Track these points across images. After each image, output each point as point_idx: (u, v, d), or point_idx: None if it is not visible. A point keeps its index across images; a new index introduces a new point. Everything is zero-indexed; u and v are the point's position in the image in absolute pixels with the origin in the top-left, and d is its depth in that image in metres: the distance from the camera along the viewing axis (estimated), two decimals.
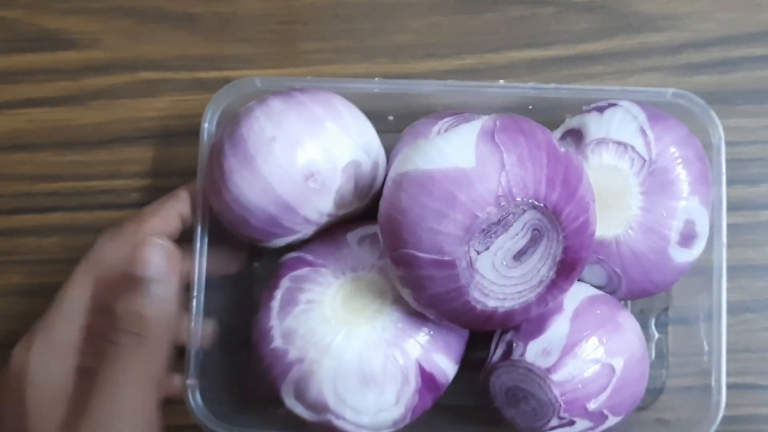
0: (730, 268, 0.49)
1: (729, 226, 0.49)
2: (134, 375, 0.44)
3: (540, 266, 0.43)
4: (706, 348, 0.49)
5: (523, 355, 0.46)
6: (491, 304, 0.43)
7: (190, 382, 0.49)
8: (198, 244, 0.50)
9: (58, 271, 0.56)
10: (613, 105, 0.49)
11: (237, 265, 0.52)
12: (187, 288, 0.50)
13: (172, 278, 0.45)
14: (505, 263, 0.43)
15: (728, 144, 0.50)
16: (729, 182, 0.49)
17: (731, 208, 0.49)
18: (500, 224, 0.41)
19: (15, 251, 0.57)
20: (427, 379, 0.46)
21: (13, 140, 0.58)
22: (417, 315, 0.46)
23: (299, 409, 0.47)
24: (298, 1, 0.58)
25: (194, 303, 0.50)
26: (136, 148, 0.57)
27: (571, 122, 0.49)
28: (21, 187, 0.58)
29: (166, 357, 0.45)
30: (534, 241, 0.42)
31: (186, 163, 0.57)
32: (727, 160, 0.49)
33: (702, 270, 0.49)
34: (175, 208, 0.49)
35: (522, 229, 0.42)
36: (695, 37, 0.57)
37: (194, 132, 0.53)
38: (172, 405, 0.54)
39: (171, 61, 0.58)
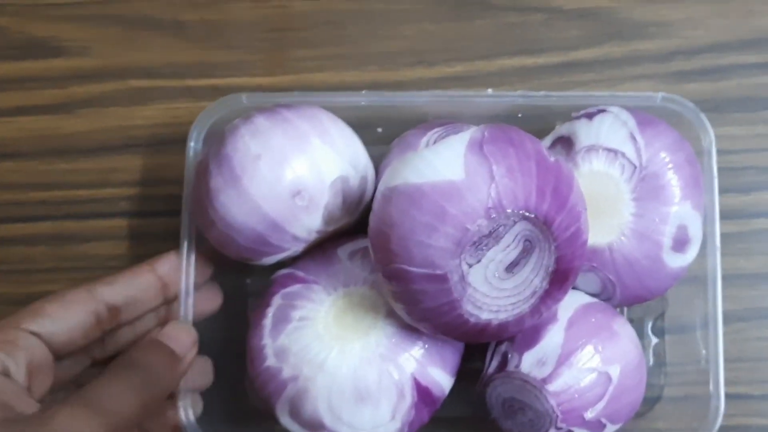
0: (721, 277, 0.48)
1: (720, 234, 0.49)
2: (134, 389, 0.42)
3: (533, 277, 0.43)
4: (704, 353, 0.49)
5: (518, 366, 0.46)
6: (485, 316, 0.43)
7: (184, 401, 0.49)
8: (184, 271, 0.49)
9: (46, 281, 0.56)
10: (603, 111, 0.48)
11: (216, 303, 0.51)
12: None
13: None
14: (497, 275, 0.42)
15: (720, 152, 0.49)
16: (721, 191, 0.49)
17: (723, 216, 0.49)
18: (491, 236, 0.41)
19: (2, 261, 0.57)
20: (422, 393, 0.46)
21: (2, 148, 0.57)
22: (411, 329, 0.46)
23: (295, 428, 0.47)
24: (288, 9, 0.58)
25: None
26: (125, 157, 0.57)
27: (560, 129, 0.49)
28: (9, 196, 0.57)
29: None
30: (526, 252, 0.42)
31: (175, 171, 0.56)
32: (719, 169, 0.49)
33: (697, 275, 0.49)
34: (152, 265, 0.48)
35: (513, 241, 0.42)
36: (686, 45, 0.56)
37: (184, 140, 0.52)
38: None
39: (160, 69, 0.58)
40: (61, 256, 0.57)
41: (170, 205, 0.56)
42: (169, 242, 0.51)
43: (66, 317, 0.44)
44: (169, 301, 0.49)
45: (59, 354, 0.44)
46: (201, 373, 0.50)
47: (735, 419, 0.48)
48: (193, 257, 0.49)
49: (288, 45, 0.58)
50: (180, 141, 0.55)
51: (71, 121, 0.57)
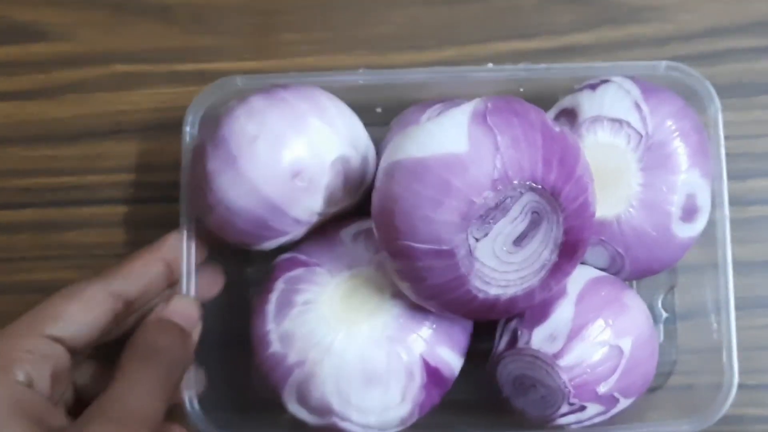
0: (715, 266, 0.48)
1: (715, 222, 0.48)
2: (158, 377, 0.42)
3: (541, 250, 0.42)
4: (715, 326, 0.48)
5: (528, 342, 0.45)
6: (493, 292, 0.42)
7: (189, 392, 0.48)
8: (185, 254, 0.48)
9: (29, 269, 0.56)
10: (606, 81, 0.48)
11: (218, 286, 0.51)
12: None
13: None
14: (505, 249, 0.41)
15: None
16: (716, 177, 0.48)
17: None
18: (498, 209, 0.40)
19: None
20: (432, 373, 0.45)
21: None
22: (418, 309, 0.45)
23: (303, 414, 0.46)
24: None
25: None
26: (110, 143, 0.56)
27: (563, 102, 0.49)
28: None
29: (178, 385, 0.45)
30: (534, 225, 0.41)
31: (161, 157, 0.56)
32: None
33: (706, 244, 0.48)
34: (160, 252, 0.48)
35: (521, 213, 0.41)
36: (681, 29, 0.56)
37: (169, 126, 0.52)
38: (172, 416, 0.53)
39: (146, 54, 0.57)
40: (44, 244, 0.56)
41: (156, 192, 0.56)
42: (154, 229, 0.51)
43: (87, 319, 0.44)
44: (173, 283, 0.48)
45: (76, 353, 0.43)
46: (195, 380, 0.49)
47: (730, 408, 0.47)
48: (193, 239, 0.49)
49: (275, 29, 0.57)
50: (166, 127, 0.55)
51: (55, 107, 0.57)
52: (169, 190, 0.52)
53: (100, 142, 0.56)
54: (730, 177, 0.48)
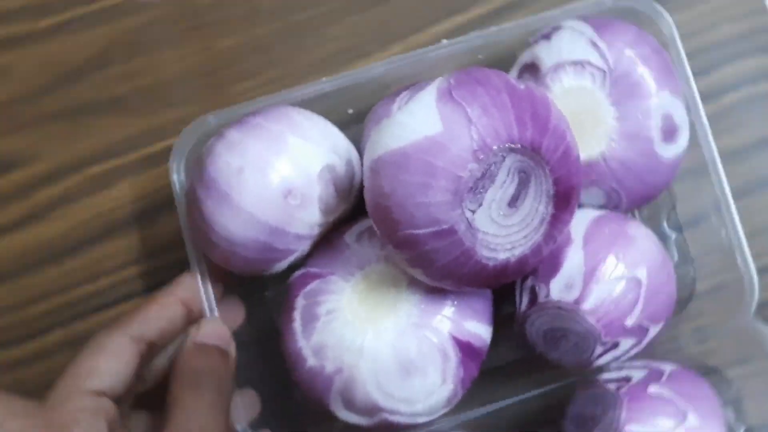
0: (705, 167, 0.48)
1: (695, 125, 0.48)
2: (213, 401, 0.44)
3: (537, 205, 0.43)
4: (724, 233, 0.48)
5: (548, 296, 0.46)
6: (502, 256, 0.43)
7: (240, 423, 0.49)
8: (203, 292, 0.49)
9: None
10: (558, 28, 0.48)
11: (240, 316, 0.51)
12: None
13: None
14: (501, 213, 0.42)
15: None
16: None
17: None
18: (485, 177, 0.41)
19: (20, 386, 0.55)
20: (465, 348, 0.46)
21: None
22: (436, 291, 0.46)
23: (353, 418, 0.47)
24: (212, 49, 0.57)
25: None
26: (109, 243, 0.56)
27: (522, 58, 0.49)
28: (9, 319, 0.56)
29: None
30: (523, 184, 0.42)
31: (161, 238, 0.56)
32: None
33: (695, 160, 0.49)
34: (175, 294, 0.48)
35: (508, 176, 0.42)
36: None
37: (157, 208, 0.52)
38: None
39: (112, 148, 0.57)
40: None
41: (167, 274, 0.54)
42: None
43: (119, 368, 0.44)
44: (192, 322, 0.49)
45: (120, 402, 0.45)
46: (248, 404, 0.50)
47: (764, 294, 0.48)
48: (207, 276, 0.49)
49: (225, 83, 0.57)
50: (154, 209, 0.55)
51: (45, 227, 0.56)
52: (176, 268, 0.52)
53: (99, 246, 0.56)
54: (695, 74, 0.48)
